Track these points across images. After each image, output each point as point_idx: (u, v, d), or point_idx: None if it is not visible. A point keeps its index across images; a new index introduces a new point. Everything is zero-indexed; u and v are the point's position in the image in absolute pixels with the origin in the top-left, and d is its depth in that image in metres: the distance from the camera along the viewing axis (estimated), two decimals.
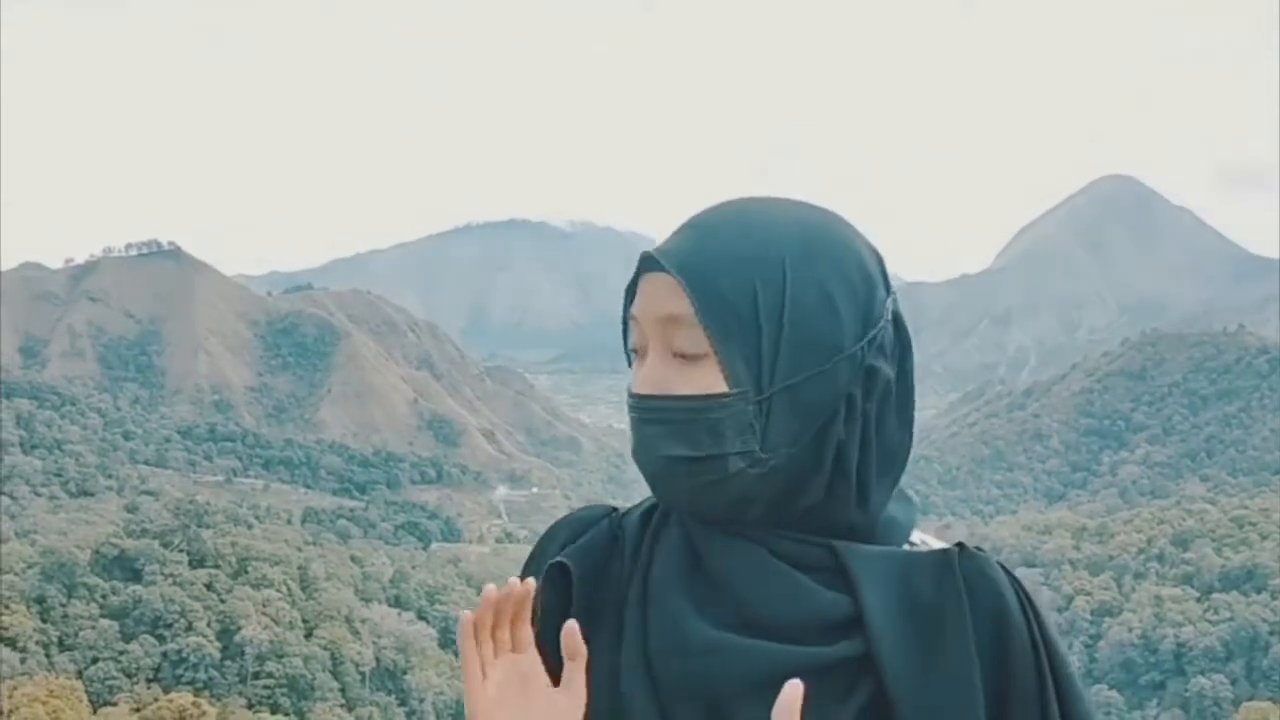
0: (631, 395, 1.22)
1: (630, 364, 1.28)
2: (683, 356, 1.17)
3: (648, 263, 1.23)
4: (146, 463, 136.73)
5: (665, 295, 1.18)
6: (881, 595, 1.13)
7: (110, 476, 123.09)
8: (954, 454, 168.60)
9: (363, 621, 62.94)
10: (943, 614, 1.12)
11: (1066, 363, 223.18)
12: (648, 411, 1.19)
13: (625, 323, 1.28)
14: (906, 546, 1.25)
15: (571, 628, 1.16)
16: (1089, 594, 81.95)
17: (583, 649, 1.18)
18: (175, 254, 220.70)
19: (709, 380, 1.16)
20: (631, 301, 1.25)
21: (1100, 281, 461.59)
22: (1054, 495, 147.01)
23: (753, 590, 1.15)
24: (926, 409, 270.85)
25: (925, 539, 1.29)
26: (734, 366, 1.15)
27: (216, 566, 62.07)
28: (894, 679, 1.09)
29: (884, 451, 1.24)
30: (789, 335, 1.15)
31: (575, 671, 1.17)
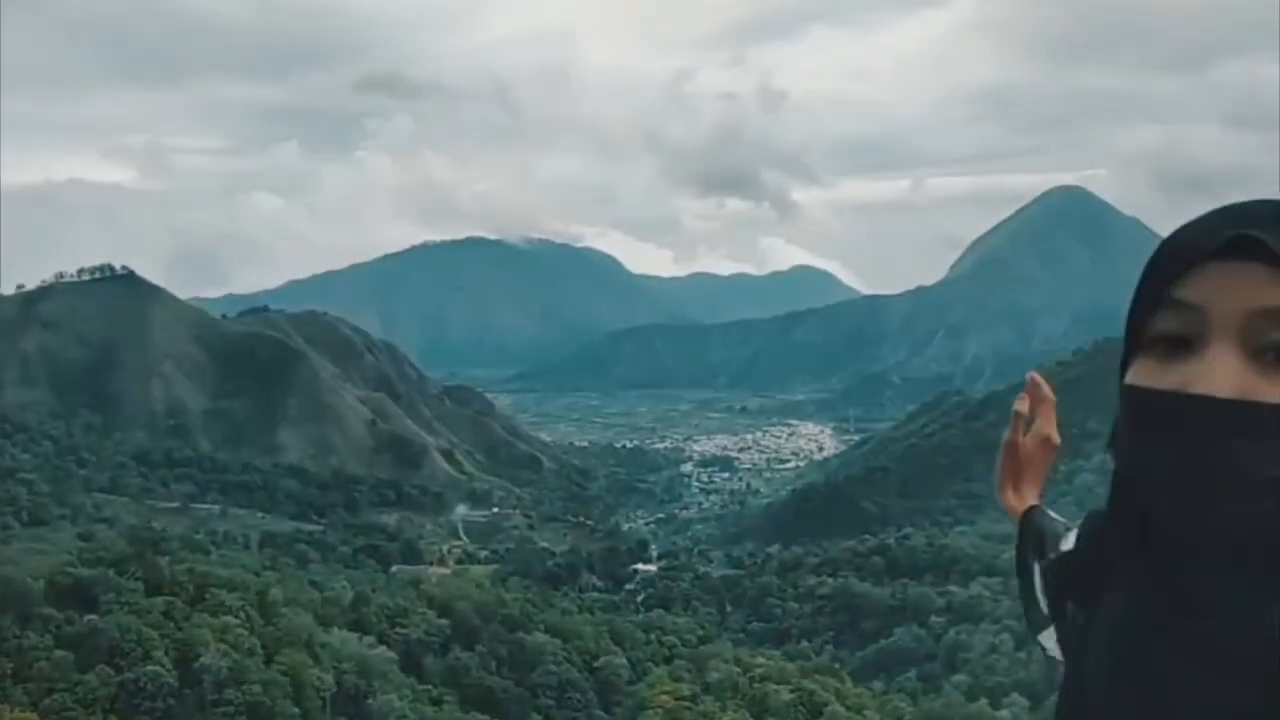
0: (1201, 397, 1.11)
1: (1131, 351, 1.23)
2: (1270, 360, 1.10)
3: (1234, 250, 1.12)
4: (101, 490, 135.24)
5: (1264, 286, 1.09)
6: None
7: (64, 505, 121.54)
8: (912, 464, 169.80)
9: (323, 646, 62.56)
10: None
11: (1021, 372, 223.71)
12: (1235, 420, 1.08)
13: (1135, 303, 1.20)
14: None
15: (1034, 378, 1.97)
16: None
17: (1049, 397, 1.96)
18: (129, 278, 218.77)
19: None
20: (1162, 283, 1.17)
21: (1053, 291, 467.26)
22: None
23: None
24: (884, 420, 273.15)
25: None
26: None
27: (174, 594, 61.55)
28: None
29: None
30: None
31: (1046, 421, 1.96)
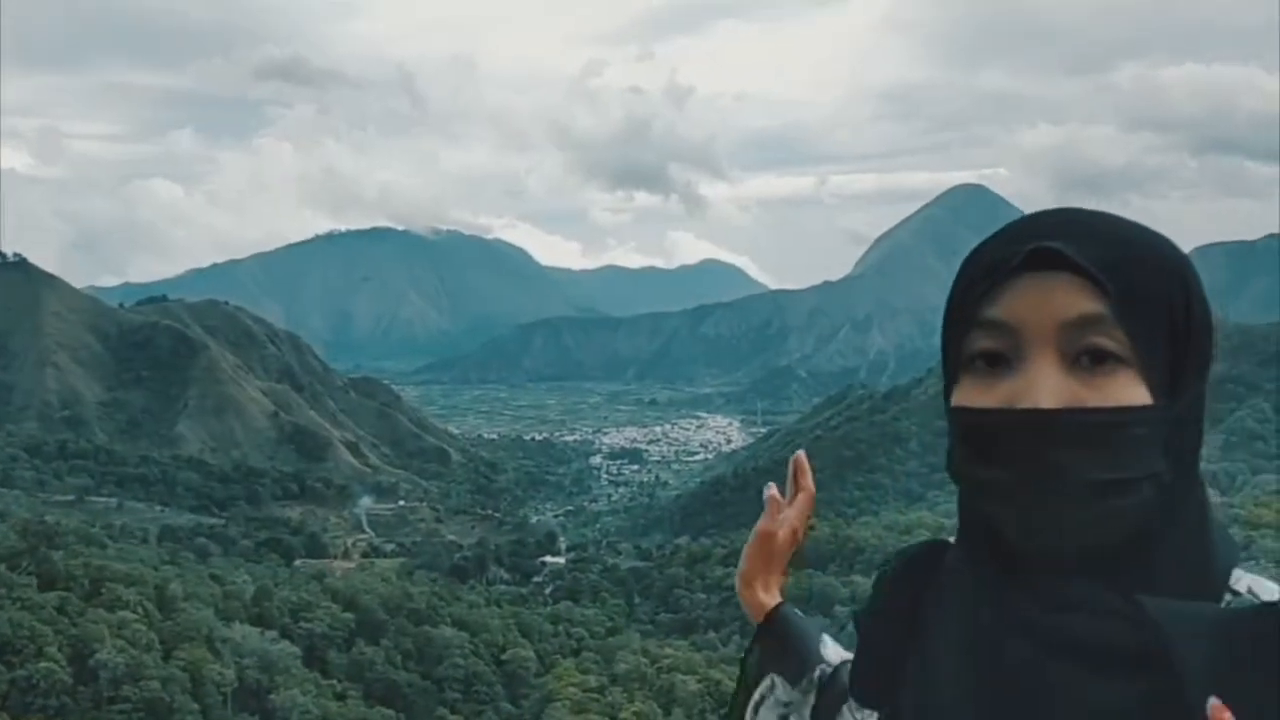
0: (1029, 411, 1.09)
1: (950, 374, 1.22)
2: (1085, 366, 1.09)
3: (1034, 261, 1.11)
4: None
5: (1070, 295, 1.09)
6: (1202, 678, 0.99)
7: None
8: (818, 457, 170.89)
9: (224, 641, 61.55)
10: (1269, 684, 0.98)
11: (923, 366, 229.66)
12: (1065, 429, 1.07)
13: (948, 327, 1.21)
14: (1228, 596, 1.13)
15: (799, 460, 1.80)
16: None
17: (809, 488, 1.80)
18: (20, 266, 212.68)
19: (1124, 392, 1.08)
20: (971, 303, 1.16)
21: None
22: (913, 496, 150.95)
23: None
24: (790, 413, 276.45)
25: (1252, 585, 1.14)
26: (1154, 376, 1.08)
27: (68, 589, 60.09)
28: None
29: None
30: (1193, 348, 1.10)
31: (798, 514, 1.77)
